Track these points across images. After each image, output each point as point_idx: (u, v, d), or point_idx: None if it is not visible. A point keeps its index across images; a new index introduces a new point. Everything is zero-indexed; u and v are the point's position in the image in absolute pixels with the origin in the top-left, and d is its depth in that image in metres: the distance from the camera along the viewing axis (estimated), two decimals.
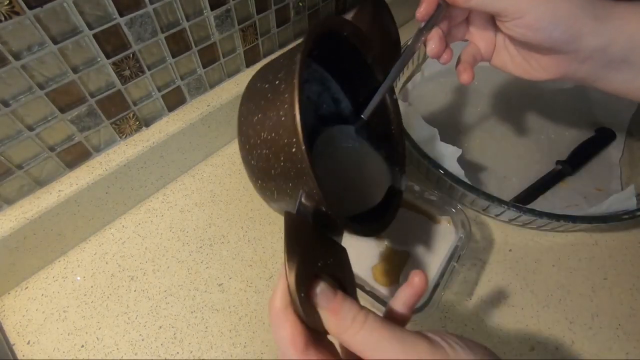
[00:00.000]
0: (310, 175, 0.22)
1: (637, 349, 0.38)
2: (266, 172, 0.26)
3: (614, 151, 0.53)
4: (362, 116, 0.32)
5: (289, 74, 0.23)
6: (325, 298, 0.21)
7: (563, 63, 0.32)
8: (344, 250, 0.25)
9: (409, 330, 0.20)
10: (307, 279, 0.21)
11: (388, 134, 0.37)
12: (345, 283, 0.23)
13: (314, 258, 0.21)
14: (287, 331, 0.21)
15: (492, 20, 0.34)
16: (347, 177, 0.34)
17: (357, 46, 0.32)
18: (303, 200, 0.23)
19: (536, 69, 0.34)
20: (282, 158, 0.23)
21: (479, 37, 0.36)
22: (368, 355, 0.20)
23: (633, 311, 0.40)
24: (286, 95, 0.23)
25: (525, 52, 0.34)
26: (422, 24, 0.32)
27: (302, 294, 0.20)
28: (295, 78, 0.22)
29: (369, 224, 0.32)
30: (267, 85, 0.25)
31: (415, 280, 0.25)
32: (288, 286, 0.20)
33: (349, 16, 0.33)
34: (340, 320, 0.20)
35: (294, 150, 0.22)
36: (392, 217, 0.33)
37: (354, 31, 0.31)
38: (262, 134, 0.24)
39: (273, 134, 0.24)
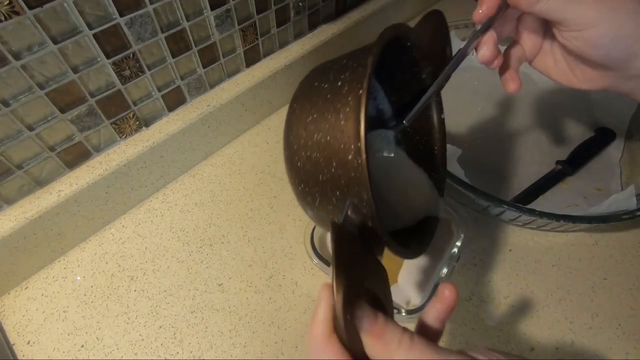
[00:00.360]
0: (365, 186, 0.20)
1: (637, 349, 0.38)
2: (313, 176, 0.24)
3: (614, 151, 0.53)
4: (404, 121, 0.31)
5: (356, 76, 0.22)
6: (368, 321, 0.19)
7: (609, 78, 0.31)
8: (384, 269, 0.23)
9: (452, 351, 0.20)
10: (353, 297, 0.19)
11: (430, 154, 0.34)
12: (386, 305, 0.22)
13: (360, 277, 0.20)
14: (329, 357, 0.19)
15: (544, 23, 0.33)
16: (388, 189, 0.32)
17: (417, 59, 0.31)
18: (349, 212, 0.22)
19: (579, 79, 0.33)
20: (334, 164, 0.22)
21: (527, 38, 0.34)
22: None
23: (633, 311, 0.41)
24: (349, 98, 0.21)
25: (572, 62, 0.32)
26: (478, 27, 0.31)
27: (349, 317, 0.19)
28: (365, 81, 0.21)
29: (403, 243, 0.29)
30: (326, 85, 0.24)
31: (445, 294, 0.24)
32: (334, 308, 0.19)
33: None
34: (386, 344, 0.19)
35: (350, 157, 0.21)
36: (429, 240, 0.31)
37: (418, 42, 0.30)
38: (316, 135, 0.23)
39: (328, 137, 0.22)
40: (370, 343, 0.19)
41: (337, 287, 0.18)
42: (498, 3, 0.30)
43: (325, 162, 0.22)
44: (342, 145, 0.21)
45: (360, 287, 0.20)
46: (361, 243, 0.21)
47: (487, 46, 0.31)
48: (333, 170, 0.22)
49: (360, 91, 0.20)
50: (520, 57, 0.34)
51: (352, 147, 0.20)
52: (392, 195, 0.31)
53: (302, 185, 0.25)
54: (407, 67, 0.31)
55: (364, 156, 0.20)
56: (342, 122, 0.21)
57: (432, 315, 0.24)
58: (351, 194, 0.21)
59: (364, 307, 0.19)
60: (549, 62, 0.34)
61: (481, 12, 0.30)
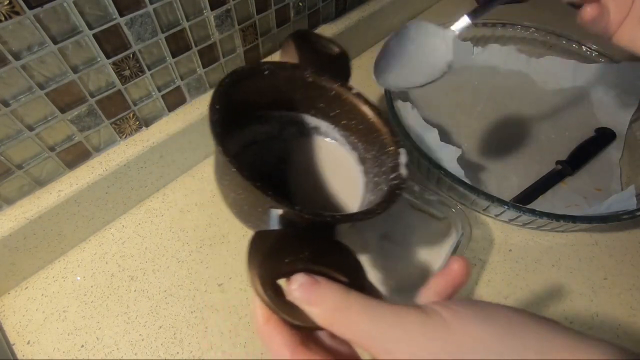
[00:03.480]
0: (257, 193, 0.24)
1: (637, 349, 0.38)
2: (241, 209, 0.30)
3: (614, 151, 0.53)
4: (470, 21, 0.34)
5: (220, 157, 0.28)
6: (303, 291, 0.19)
7: None
8: (333, 242, 0.25)
9: (397, 305, 0.18)
10: (272, 277, 0.20)
11: (374, 130, 0.35)
12: (348, 276, 0.22)
13: (280, 257, 0.21)
14: (273, 342, 0.20)
15: None
16: (315, 182, 0.36)
17: (289, 76, 0.33)
18: (272, 214, 0.25)
19: None
20: (239, 191, 0.28)
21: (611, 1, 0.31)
22: (359, 343, 0.18)
23: (633, 311, 0.41)
24: (228, 169, 0.27)
25: None
26: None
27: (270, 293, 0.20)
28: (225, 157, 0.27)
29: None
30: (217, 163, 0.32)
31: (454, 268, 0.21)
32: (257, 294, 0.20)
33: (278, 55, 0.37)
34: (324, 312, 0.18)
35: (238, 179, 0.25)
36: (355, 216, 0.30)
37: (271, 67, 0.32)
38: (224, 182, 0.30)
39: (229, 177, 0.29)
40: (311, 312, 0.19)
41: (251, 277, 0.20)
42: None
43: (235, 193, 0.29)
44: (228, 177, 0.28)
45: (282, 265, 0.21)
46: (283, 232, 0.24)
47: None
48: (241, 195, 0.28)
49: (227, 162, 0.26)
50: (602, 21, 0.31)
51: (232, 171, 0.25)
52: (318, 182, 0.36)
53: (247, 223, 0.32)
54: (291, 85, 0.34)
55: (235, 171, 0.25)
56: (231, 170, 0.26)
57: (433, 291, 0.22)
58: (262, 204, 0.26)
59: (298, 278, 0.20)
60: (636, 31, 0.31)
61: None
